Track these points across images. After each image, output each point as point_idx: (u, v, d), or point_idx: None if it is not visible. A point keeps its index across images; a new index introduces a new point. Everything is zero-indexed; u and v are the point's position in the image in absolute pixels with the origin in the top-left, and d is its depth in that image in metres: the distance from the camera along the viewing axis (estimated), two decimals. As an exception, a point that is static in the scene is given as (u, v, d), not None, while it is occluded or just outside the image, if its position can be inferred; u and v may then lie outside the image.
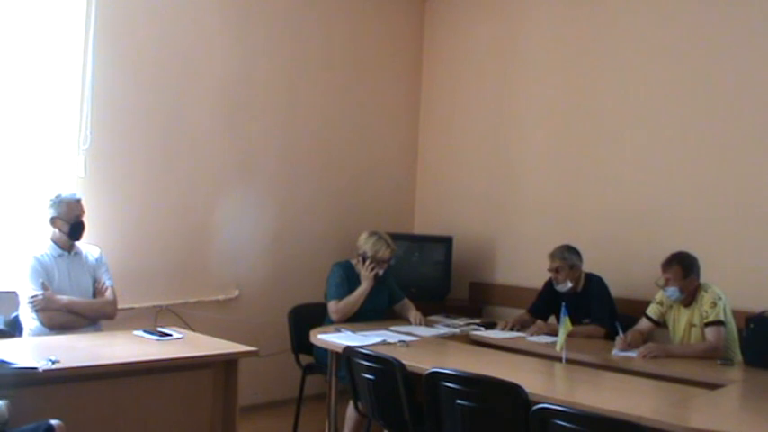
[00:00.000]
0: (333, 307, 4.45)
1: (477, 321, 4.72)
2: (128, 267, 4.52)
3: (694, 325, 3.96)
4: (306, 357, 4.55)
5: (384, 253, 4.51)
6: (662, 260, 4.00)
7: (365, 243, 4.54)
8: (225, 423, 3.49)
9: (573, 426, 2.60)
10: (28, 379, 2.79)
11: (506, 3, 5.79)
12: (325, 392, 4.35)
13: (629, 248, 4.94)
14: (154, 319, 4.64)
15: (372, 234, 4.57)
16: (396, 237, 4.66)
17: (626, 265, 4.87)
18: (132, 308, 4.56)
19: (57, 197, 3.90)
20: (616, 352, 3.85)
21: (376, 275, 4.48)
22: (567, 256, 4.44)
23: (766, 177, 4.43)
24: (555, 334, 3.90)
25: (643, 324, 4.12)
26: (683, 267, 3.91)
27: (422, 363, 3.36)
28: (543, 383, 3.40)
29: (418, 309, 4.68)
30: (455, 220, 5.97)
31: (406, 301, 4.69)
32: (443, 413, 3.10)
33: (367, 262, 4.50)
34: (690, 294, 3.97)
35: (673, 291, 3.94)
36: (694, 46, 4.75)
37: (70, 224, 3.88)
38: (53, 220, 3.89)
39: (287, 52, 5.47)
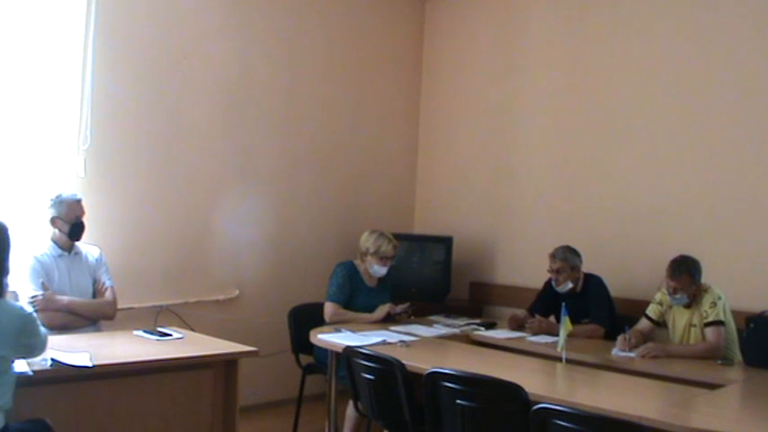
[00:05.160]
0: (330, 309, 4.45)
1: (478, 321, 4.72)
2: (128, 267, 4.52)
3: (694, 325, 3.96)
4: (306, 357, 4.55)
5: (387, 249, 4.51)
6: (663, 261, 3.99)
7: (367, 241, 4.55)
8: (225, 423, 3.49)
9: (573, 426, 2.61)
10: (26, 379, 2.79)
11: (507, 3, 5.79)
12: (325, 392, 4.35)
13: (629, 249, 4.94)
14: (154, 319, 4.64)
15: (373, 232, 4.58)
16: (396, 237, 4.66)
17: (626, 266, 4.87)
18: (132, 308, 4.55)
19: (57, 197, 3.91)
20: (616, 352, 3.84)
21: (388, 314, 4.48)
22: (568, 257, 4.44)
23: (766, 178, 4.43)
24: (555, 334, 3.90)
25: (643, 324, 4.12)
26: (691, 275, 3.90)
27: (422, 363, 3.36)
28: (543, 383, 3.40)
29: (418, 309, 4.69)
30: (455, 220, 5.97)
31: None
32: (443, 413, 3.10)
33: (400, 306, 4.49)
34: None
35: (681, 298, 3.93)
36: (695, 47, 4.74)
37: (70, 224, 3.88)
38: (53, 220, 3.89)
39: (287, 51, 5.46)
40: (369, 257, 4.53)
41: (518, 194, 5.64)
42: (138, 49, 4.71)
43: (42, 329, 2.81)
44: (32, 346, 2.76)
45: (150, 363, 3.24)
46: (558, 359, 3.65)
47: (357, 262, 4.63)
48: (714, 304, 3.87)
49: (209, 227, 5.08)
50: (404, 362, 3.33)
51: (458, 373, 3.04)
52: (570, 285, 4.44)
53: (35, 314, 2.83)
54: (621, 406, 2.78)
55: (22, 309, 2.77)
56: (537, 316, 4.47)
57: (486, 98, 5.88)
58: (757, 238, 4.42)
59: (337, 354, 3.88)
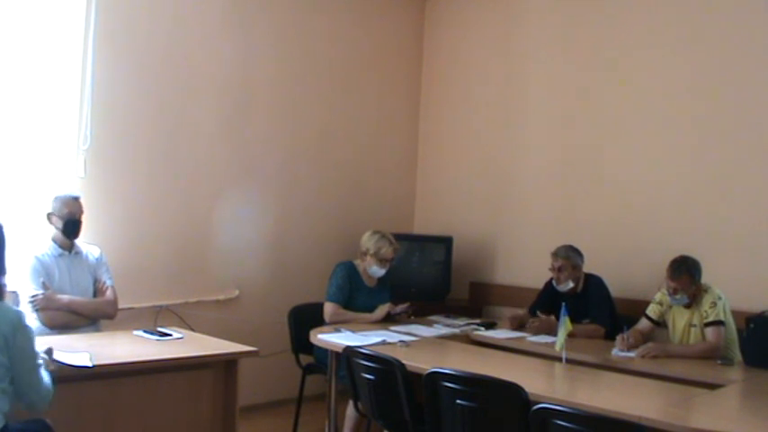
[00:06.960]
0: (329, 309, 4.45)
1: (478, 321, 4.72)
2: (128, 267, 4.51)
3: (694, 325, 3.96)
4: (306, 357, 4.55)
5: (387, 251, 4.51)
6: (663, 262, 3.99)
7: (368, 241, 4.55)
8: (225, 423, 3.49)
9: (573, 426, 2.61)
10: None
11: (507, 3, 5.79)
12: (325, 392, 4.36)
13: (629, 249, 4.94)
14: (154, 319, 4.64)
15: (376, 232, 4.58)
16: (396, 237, 4.66)
17: (626, 266, 4.87)
18: (132, 308, 4.55)
19: (56, 195, 3.92)
20: (616, 352, 3.85)
21: (388, 314, 4.49)
22: (570, 255, 4.44)
23: (766, 178, 4.43)
24: (556, 333, 3.90)
25: (643, 324, 4.12)
26: (691, 275, 3.90)
27: (422, 363, 3.36)
28: (543, 383, 3.40)
29: (418, 309, 4.69)
30: (455, 220, 5.97)
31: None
32: (443, 413, 3.10)
33: (400, 306, 4.50)
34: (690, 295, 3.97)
35: (681, 298, 3.93)
36: (695, 46, 4.74)
37: (63, 221, 3.88)
38: (49, 217, 3.91)
39: (288, 52, 5.46)
40: (368, 257, 4.53)
41: (518, 194, 5.63)
42: (138, 49, 4.70)
43: (46, 381, 2.71)
44: (26, 351, 2.64)
45: (150, 363, 3.24)
46: (558, 359, 3.65)
47: (357, 262, 4.63)
48: (714, 304, 3.87)
49: (210, 227, 5.08)
50: (404, 362, 3.33)
51: (458, 373, 3.04)
52: (571, 284, 4.44)
53: (30, 327, 2.71)
54: (621, 406, 2.79)
55: (16, 312, 2.67)
56: (539, 314, 4.46)
57: (487, 98, 5.88)
58: (757, 238, 4.42)
59: (337, 354, 3.88)
